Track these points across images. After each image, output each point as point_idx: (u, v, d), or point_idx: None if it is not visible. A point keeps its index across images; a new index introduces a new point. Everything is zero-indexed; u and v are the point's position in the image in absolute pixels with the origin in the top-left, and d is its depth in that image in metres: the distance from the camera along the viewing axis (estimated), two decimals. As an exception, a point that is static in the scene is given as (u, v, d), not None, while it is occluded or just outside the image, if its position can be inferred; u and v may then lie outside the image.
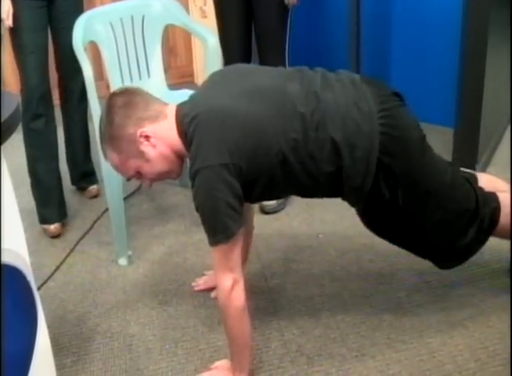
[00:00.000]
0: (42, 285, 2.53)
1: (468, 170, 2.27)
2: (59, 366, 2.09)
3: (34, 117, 2.78)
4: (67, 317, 2.39)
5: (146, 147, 1.92)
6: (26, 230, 1.80)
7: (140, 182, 3.29)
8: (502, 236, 2.17)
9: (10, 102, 1.63)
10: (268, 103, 1.89)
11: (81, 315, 2.40)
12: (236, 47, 2.91)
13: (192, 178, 1.83)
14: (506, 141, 3.38)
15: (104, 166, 2.61)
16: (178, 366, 2.10)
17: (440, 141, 3.43)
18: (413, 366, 2.02)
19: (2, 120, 1.51)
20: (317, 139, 1.87)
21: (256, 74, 2.04)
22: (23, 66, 2.73)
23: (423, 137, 2.05)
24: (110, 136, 1.93)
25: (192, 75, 4.66)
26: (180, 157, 1.98)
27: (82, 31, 2.61)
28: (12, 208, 1.69)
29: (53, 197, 2.95)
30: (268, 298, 2.38)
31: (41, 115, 2.79)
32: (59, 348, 2.18)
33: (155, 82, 2.98)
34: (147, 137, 1.90)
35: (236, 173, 1.81)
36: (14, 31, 2.66)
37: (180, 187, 3.21)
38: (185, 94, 2.95)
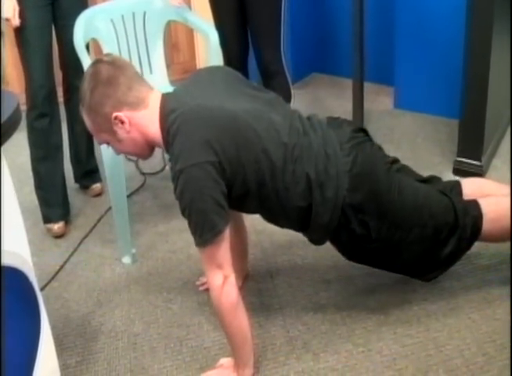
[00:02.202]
0: (46, 285, 2.52)
1: (452, 179, 2.33)
2: (64, 367, 2.08)
3: (38, 117, 2.77)
4: (71, 317, 2.38)
5: (119, 129, 1.93)
6: (29, 230, 1.79)
7: (144, 179, 3.30)
8: (493, 240, 2.20)
9: (10, 102, 1.61)
10: (256, 120, 1.91)
11: (85, 314, 2.39)
12: (233, 42, 2.90)
13: (177, 177, 1.82)
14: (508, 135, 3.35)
15: (107, 164, 2.60)
16: (183, 365, 2.09)
17: (445, 132, 3.42)
18: (420, 361, 2.00)
19: (2, 121, 1.50)
20: (294, 173, 1.93)
21: (240, 89, 2.04)
22: (28, 64, 2.72)
23: (390, 166, 2.12)
24: (88, 106, 1.94)
25: (195, 71, 4.63)
26: (151, 146, 2.01)
27: (83, 29, 2.60)
28: (13, 209, 1.68)
29: (57, 196, 2.94)
30: (273, 295, 2.36)
31: (46, 114, 2.78)
32: (63, 349, 2.17)
33: (157, 78, 2.97)
34: (122, 121, 1.91)
35: (221, 172, 1.82)
36: (19, 30, 2.65)
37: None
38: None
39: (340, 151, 2.00)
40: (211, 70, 2.18)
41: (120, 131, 1.94)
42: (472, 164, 2.99)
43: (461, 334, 2.09)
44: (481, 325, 2.12)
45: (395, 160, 2.22)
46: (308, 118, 2.10)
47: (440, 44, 3.51)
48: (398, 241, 2.05)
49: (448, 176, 3.05)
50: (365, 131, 2.18)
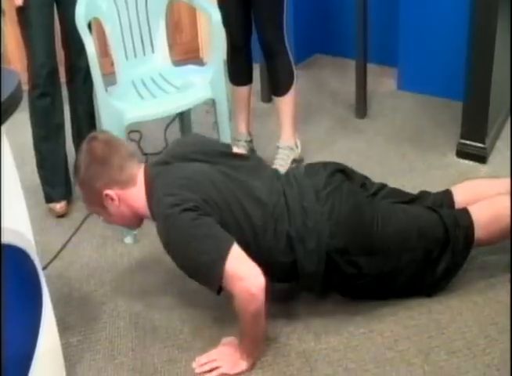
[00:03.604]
0: (48, 264, 2.52)
1: (441, 190, 2.33)
2: (66, 345, 2.09)
3: (40, 96, 2.75)
4: (73, 296, 2.39)
5: (109, 205, 2.06)
6: (31, 210, 1.79)
7: (146, 159, 3.28)
8: (490, 243, 2.20)
9: (11, 79, 1.60)
10: (235, 185, 2.02)
11: (87, 293, 2.39)
12: (235, 22, 2.87)
13: (163, 225, 1.91)
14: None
15: (108, 144, 2.58)
16: (185, 345, 2.10)
17: (449, 114, 3.41)
18: (422, 343, 2.01)
19: (3, 98, 1.49)
20: (275, 231, 2.00)
21: (218, 161, 2.12)
22: (30, 43, 2.70)
23: (372, 198, 2.18)
24: (81, 180, 2.09)
25: (197, 51, 4.61)
26: (140, 218, 2.13)
27: (85, 8, 2.58)
28: (15, 188, 1.68)
29: (59, 175, 2.93)
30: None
31: (48, 94, 2.77)
32: (65, 328, 2.17)
33: (159, 58, 2.95)
34: (112, 199, 2.03)
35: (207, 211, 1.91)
36: (21, 9, 2.63)
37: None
38: (189, 70, 2.94)
39: (317, 201, 2.07)
40: (190, 144, 2.25)
41: (110, 207, 2.06)
42: (476, 147, 2.97)
43: (463, 316, 2.10)
44: (484, 307, 2.12)
45: (381, 187, 2.27)
46: (286, 174, 2.23)
47: (444, 25, 3.49)
48: (390, 270, 2.08)
49: (451, 158, 3.05)
50: (343, 171, 2.22)
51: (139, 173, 2.06)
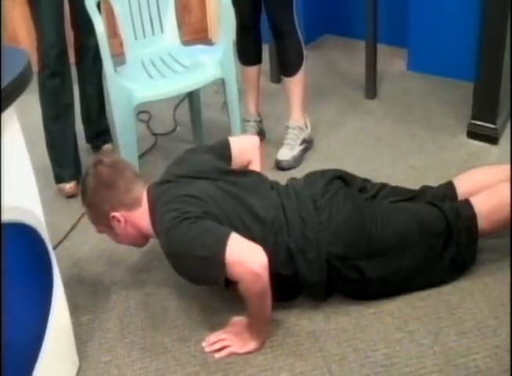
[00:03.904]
0: (58, 245, 2.53)
1: (444, 183, 2.33)
2: (76, 324, 2.10)
3: (50, 76, 2.74)
4: (84, 276, 2.40)
5: (115, 226, 2.10)
6: (41, 190, 1.79)
7: (155, 140, 3.28)
8: (495, 232, 2.19)
9: (21, 59, 1.60)
10: (233, 201, 2.06)
11: (97, 274, 2.40)
12: (245, 3, 2.85)
13: (165, 239, 1.94)
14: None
15: (118, 124, 2.59)
16: (195, 325, 2.11)
17: (459, 95, 3.39)
18: (432, 323, 2.01)
19: (12, 78, 1.49)
20: (275, 244, 2.01)
21: (218, 178, 2.14)
22: (39, 24, 2.69)
23: (371, 200, 2.19)
24: (89, 202, 2.14)
25: (206, 31, 4.60)
26: (146, 237, 2.18)
27: (93, -13, 2.56)
28: (26, 168, 1.68)
29: (68, 156, 2.93)
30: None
31: (58, 74, 2.76)
32: (75, 307, 2.18)
33: (168, 38, 2.95)
34: (118, 220, 2.07)
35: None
36: None
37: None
38: (198, 49, 2.93)
39: (315, 210, 2.08)
40: (189, 162, 2.25)
41: (117, 228, 2.10)
42: (486, 127, 2.95)
43: (473, 297, 2.09)
44: (494, 289, 2.12)
45: (382, 188, 2.28)
46: (286, 186, 2.23)
47: (455, 5, 3.46)
48: (395, 270, 2.07)
49: (461, 139, 3.03)
50: (341, 177, 2.23)
51: (144, 194, 2.10)
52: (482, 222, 2.10)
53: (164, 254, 2.00)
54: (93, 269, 2.43)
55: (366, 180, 2.33)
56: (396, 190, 2.30)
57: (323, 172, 2.29)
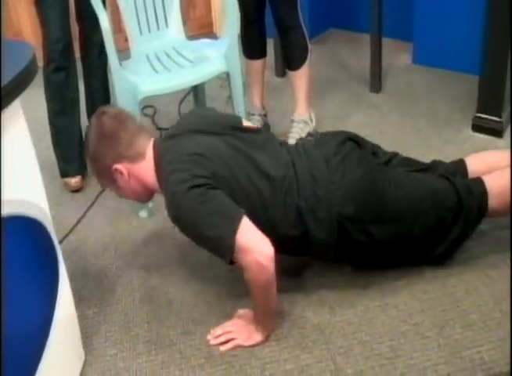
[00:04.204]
0: (64, 238, 2.54)
1: (455, 159, 2.32)
2: (82, 317, 2.11)
3: (55, 70, 2.75)
4: (89, 269, 2.40)
5: (118, 179, 2.06)
6: (47, 185, 1.80)
7: (160, 134, 3.28)
8: (501, 215, 2.19)
9: (26, 53, 1.60)
10: (241, 159, 2.03)
11: (102, 267, 2.41)
12: None
13: (171, 201, 1.90)
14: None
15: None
16: (200, 318, 2.11)
17: (464, 89, 3.38)
18: (436, 316, 2.01)
19: (17, 72, 1.49)
20: (285, 203, 1.99)
21: (227, 134, 2.11)
22: (45, 18, 2.70)
23: (384, 165, 2.17)
24: (91, 154, 2.09)
25: (211, 26, 4.60)
26: (150, 192, 2.14)
27: (99, -18, 2.57)
28: (31, 162, 1.69)
29: (74, 150, 2.94)
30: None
31: (63, 68, 2.76)
32: (81, 300, 2.19)
33: (173, 32, 2.94)
34: (121, 173, 2.04)
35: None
36: None
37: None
38: (203, 43, 2.93)
39: (327, 169, 2.05)
40: (199, 117, 2.23)
41: (120, 181, 2.07)
42: (492, 120, 2.95)
43: (478, 290, 2.09)
44: (498, 282, 2.11)
45: (394, 156, 2.26)
46: (296, 145, 2.21)
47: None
48: (402, 237, 2.07)
49: (467, 133, 3.02)
50: (354, 139, 2.20)
51: (148, 147, 2.06)
52: (492, 201, 2.10)
53: (168, 216, 1.96)
54: (99, 262, 2.44)
55: (377, 146, 2.30)
56: (407, 161, 2.28)
57: (335, 133, 2.26)
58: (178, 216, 1.90)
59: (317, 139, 2.24)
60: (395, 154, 2.29)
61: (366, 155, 2.17)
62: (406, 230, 2.06)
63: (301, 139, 2.29)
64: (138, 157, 2.04)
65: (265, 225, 1.91)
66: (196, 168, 1.92)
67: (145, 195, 2.16)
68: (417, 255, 2.16)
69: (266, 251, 1.81)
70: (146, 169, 2.04)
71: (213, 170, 1.93)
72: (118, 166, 2.02)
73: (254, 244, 1.82)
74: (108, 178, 2.09)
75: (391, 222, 2.04)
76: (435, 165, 2.29)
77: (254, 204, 1.97)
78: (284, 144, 2.21)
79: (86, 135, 2.10)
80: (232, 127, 2.16)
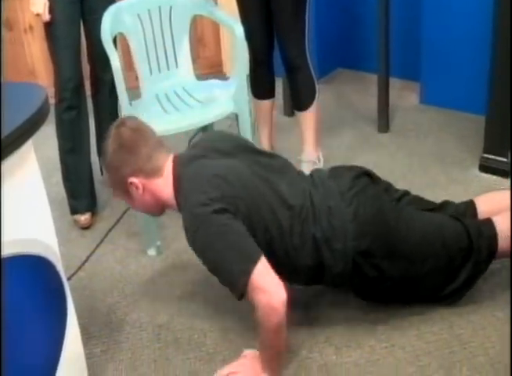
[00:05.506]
0: (72, 275, 2.55)
1: (465, 200, 2.33)
2: (89, 356, 2.11)
3: (66, 109, 2.80)
4: (97, 307, 2.41)
5: (133, 192, 2.05)
6: (56, 221, 1.82)
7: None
8: (507, 256, 2.18)
9: (39, 95, 1.64)
10: (263, 185, 2.01)
11: (110, 305, 2.42)
12: (258, 37, 2.90)
13: (190, 224, 1.90)
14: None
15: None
16: (207, 357, 2.11)
17: (471, 129, 3.40)
18: (444, 358, 2.00)
19: (30, 114, 1.52)
20: (301, 233, 1.99)
21: (249, 158, 2.11)
22: (57, 58, 2.75)
23: (397, 202, 2.18)
24: (108, 164, 2.09)
25: (220, 65, 4.65)
26: (163, 207, 2.12)
27: (110, 23, 2.62)
28: (41, 199, 1.71)
29: (84, 187, 2.97)
30: (297, 290, 2.36)
31: (74, 107, 2.81)
32: (88, 338, 2.20)
33: (183, 72, 2.98)
34: (136, 187, 2.02)
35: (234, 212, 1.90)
36: (48, 25, 2.69)
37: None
38: (212, 84, 2.97)
39: (342, 202, 2.06)
40: (221, 138, 2.25)
41: (134, 194, 2.06)
42: (498, 161, 2.96)
43: (486, 331, 2.09)
44: (505, 324, 2.10)
45: (405, 194, 2.28)
46: (311, 176, 2.21)
47: (467, 40, 3.48)
48: (413, 276, 2.08)
49: (474, 173, 3.04)
50: (368, 175, 2.22)
51: (166, 163, 2.04)
52: (502, 242, 2.11)
53: (186, 237, 1.95)
54: (107, 299, 2.44)
55: (389, 184, 2.31)
56: (418, 200, 2.29)
57: (350, 167, 2.27)
58: (197, 240, 1.90)
59: (331, 171, 2.24)
60: (407, 192, 2.30)
61: (380, 191, 2.19)
62: (417, 268, 2.07)
63: (314, 170, 2.29)
64: (156, 172, 2.02)
65: (280, 254, 1.93)
66: (217, 191, 1.91)
67: (157, 210, 2.15)
68: (427, 294, 2.16)
69: (280, 295, 1.81)
70: (162, 186, 2.03)
71: (234, 196, 1.92)
72: (134, 180, 2.02)
73: (269, 286, 1.82)
74: (122, 190, 2.08)
75: (402, 259, 2.05)
76: (445, 205, 2.30)
77: (271, 233, 1.97)
78: (301, 172, 2.22)
79: (105, 143, 2.07)
80: (251, 149, 2.18)
